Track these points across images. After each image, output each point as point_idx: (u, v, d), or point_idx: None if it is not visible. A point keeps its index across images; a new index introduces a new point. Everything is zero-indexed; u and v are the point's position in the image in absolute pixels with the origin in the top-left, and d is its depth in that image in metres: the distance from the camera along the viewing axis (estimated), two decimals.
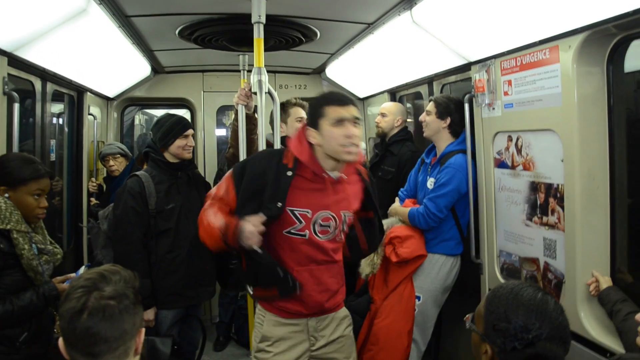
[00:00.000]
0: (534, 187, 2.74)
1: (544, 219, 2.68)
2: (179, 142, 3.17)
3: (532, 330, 1.25)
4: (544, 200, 2.67)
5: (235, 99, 2.91)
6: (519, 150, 2.86)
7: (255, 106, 2.95)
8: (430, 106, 3.44)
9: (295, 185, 2.29)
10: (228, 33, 3.53)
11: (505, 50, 2.83)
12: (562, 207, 2.53)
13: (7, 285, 2.28)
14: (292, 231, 2.33)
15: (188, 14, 3.29)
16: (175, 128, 3.17)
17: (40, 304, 2.34)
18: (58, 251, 2.56)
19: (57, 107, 4.16)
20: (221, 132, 5.92)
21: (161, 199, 3.11)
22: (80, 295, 1.32)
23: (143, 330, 1.43)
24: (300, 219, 2.33)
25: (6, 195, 2.34)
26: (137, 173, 3.17)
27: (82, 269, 2.61)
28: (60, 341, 1.35)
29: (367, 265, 3.41)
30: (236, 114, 2.95)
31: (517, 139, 2.86)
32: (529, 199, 2.80)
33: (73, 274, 2.55)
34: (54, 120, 4.12)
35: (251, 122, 2.96)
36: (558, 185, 2.56)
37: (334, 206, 2.36)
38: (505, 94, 2.90)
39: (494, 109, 3.02)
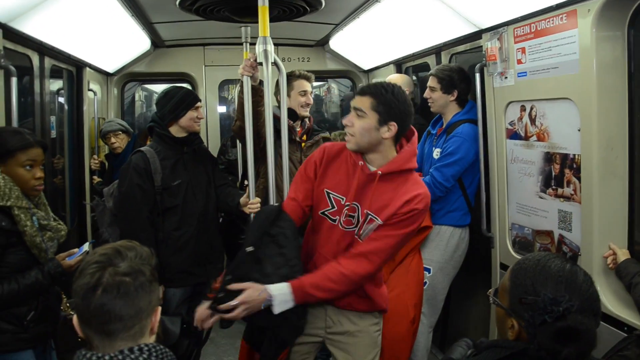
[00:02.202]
0: (549, 158, 2.67)
1: (559, 190, 2.61)
2: (190, 114, 3.09)
3: (563, 303, 1.19)
4: (559, 172, 2.60)
5: (241, 70, 2.80)
6: (532, 120, 2.77)
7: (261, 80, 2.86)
8: (433, 81, 3.35)
9: (337, 169, 2.25)
10: (230, 2, 3.41)
11: (519, 16, 2.72)
12: (579, 178, 2.46)
13: (11, 264, 2.23)
14: (326, 213, 2.24)
15: None
16: (187, 99, 3.08)
17: (45, 282, 2.29)
18: (62, 227, 2.49)
19: (56, 83, 4.07)
20: (223, 107, 5.82)
21: (167, 175, 3.03)
22: (95, 270, 1.26)
23: (159, 309, 1.37)
24: (334, 203, 2.23)
25: None
26: (142, 149, 3.08)
27: (86, 245, 2.55)
28: (75, 318, 1.30)
29: None
30: (241, 86, 2.86)
31: (531, 109, 2.77)
32: (543, 171, 2.72)
33: (76, 249, 2.50)
34: (54, 96, 4.03)
35: (257, 93, 2.87)
36: (574, 155, 2.49)
37: (363, 200, 2.18)
38: (519, 62, 2.80)
39: (506, 77, 2.93)
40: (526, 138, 2.82)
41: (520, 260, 1.37)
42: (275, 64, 2.71)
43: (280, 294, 2.06)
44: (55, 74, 3.93)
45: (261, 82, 2.82)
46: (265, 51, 2.66)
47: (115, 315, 1.24)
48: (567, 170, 2.54)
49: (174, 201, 3.05)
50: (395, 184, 2.16)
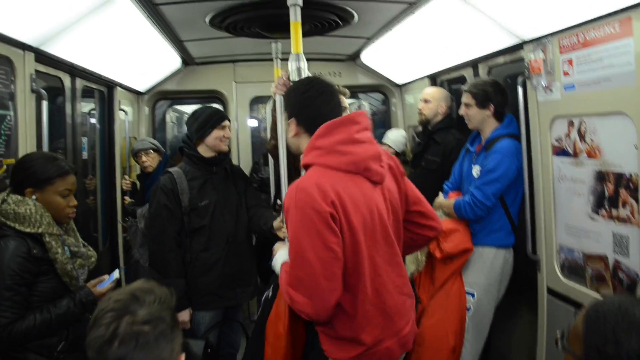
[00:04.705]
0: (601, 177, 2.48)
1: (614, 212, 2.42)
2: (216, 133, 3.04)
3: None
4: (614, 192, 2.41)
5: (273, 88, 2.72)
6: (582, 137, 2.60)
7: None
8: (467, 98, 3.22)
9: None
10: (261, 19, 3.35)
11: (566, 27, 2.56)
12: (636, 199, 2.27)
13: (42, 293, 2.17)
14: None
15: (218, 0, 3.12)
16: (213, 118, 3.04)
17: (77, 311, 2.23)
18: (92, 254, 2.45)
19: (87, 104, 4.07)
20: (254, 123, 5.74)
21: (194, 196, 2.98)
22: (110, 320, 1.14)
23: (183, 355, 1.25)
24: None
25: (33, 197, 2.22)
26: (170, 169, 3.06)
27: (116, 272, 2.49)
28: None
29: (411, 263, 3.23)
30: (274, 104, 2.78)
31: (580, 124, 2.60)
32: (594, 190, 2.54)
33: (106, 276, 2.44)
34: (85, 117, 4.03)
35: None
36: (631, 174, 2.30)
37: None
38: (565, 74, 2.64)
39: (551, 91, 2.76)
40: (575, 155, 2.65)
41: (596, 303, 1.22)
42: None
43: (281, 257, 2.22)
44: (87, 94, 3.93)
45: None
46: (299, 69, 2.57)
47: None
48: (622, 191, 2.36)
49: (201, 222, 3.00)
50: None
